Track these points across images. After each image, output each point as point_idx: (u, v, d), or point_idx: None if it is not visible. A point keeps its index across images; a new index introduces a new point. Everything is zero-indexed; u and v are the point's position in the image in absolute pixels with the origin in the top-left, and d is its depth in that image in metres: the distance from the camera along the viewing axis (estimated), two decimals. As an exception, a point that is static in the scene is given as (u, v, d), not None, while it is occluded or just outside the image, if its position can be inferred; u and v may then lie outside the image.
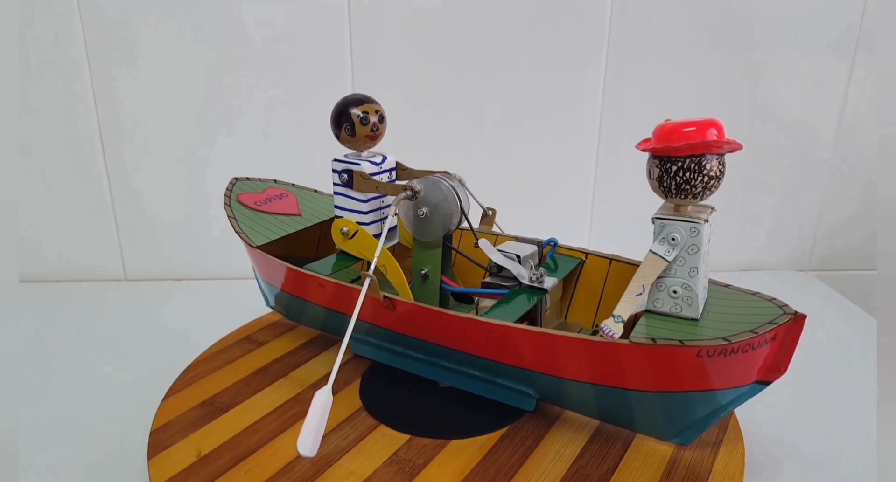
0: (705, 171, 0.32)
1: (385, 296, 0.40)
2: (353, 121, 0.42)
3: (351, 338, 0.47)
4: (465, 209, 0.41)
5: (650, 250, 0.34)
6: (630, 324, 0.34)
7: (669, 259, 0.33)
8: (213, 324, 0.54)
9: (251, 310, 0.56)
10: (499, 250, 0.43)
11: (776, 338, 0.33)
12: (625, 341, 0.33)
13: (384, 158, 0.44)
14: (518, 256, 0.42)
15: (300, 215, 0.50)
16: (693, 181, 0.32)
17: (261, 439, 0.40)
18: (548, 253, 0.46)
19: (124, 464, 0.41)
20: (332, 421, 0.41)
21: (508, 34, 0.66)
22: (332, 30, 0.64)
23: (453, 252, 0.45)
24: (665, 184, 0.32)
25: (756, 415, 0.45)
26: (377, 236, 0.45)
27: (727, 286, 0.38)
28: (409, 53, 0.65)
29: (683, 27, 0.66)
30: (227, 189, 0.51)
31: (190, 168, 0.67)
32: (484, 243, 0.42)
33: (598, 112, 0.69)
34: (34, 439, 0.43)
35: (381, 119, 0.43)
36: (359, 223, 0.44)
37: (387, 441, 0.40)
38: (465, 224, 0.45)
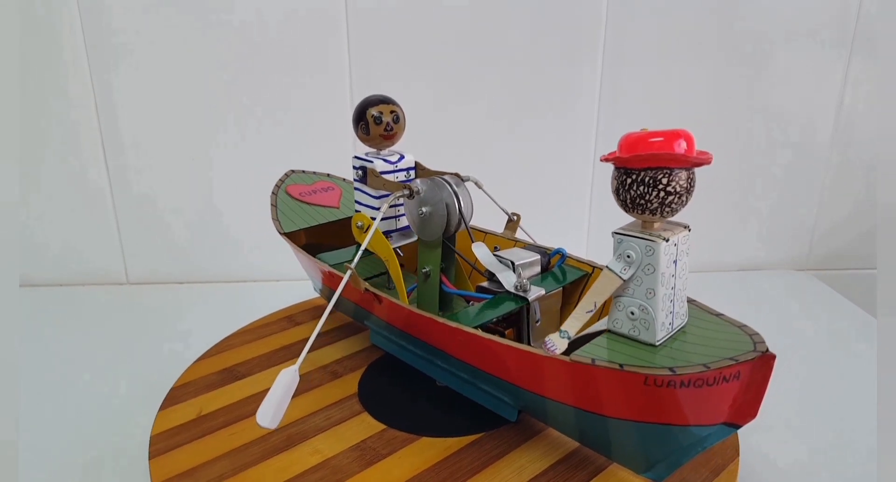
0: (661, 186, 0.29)
1: (367, 289, 0.41)
2: (368, 120, 0.44)
3: (371, 329, 0.49)
4: (465, 211, 0.42)
5: (606, 266, 0.32)
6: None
7: (625, 277, 0.31)
8: (216, 327, 0.54)
9: (254, 312, 0.57)
10: (496, 255, 0.42)
11: (740, 377, 0.30)
12: (563, 358, 0.31)
13: (401, 157, 0.46)
14: (512, 263, 0.41)
15: (338, 208, 0.54)
16: (648, 196, 0.30)
17: (255, 408, 0.43)
18: (556, 263, 0.44)
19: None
20: (323, 402, 0.44)
21: (503, 38, 0.66)
22: (330, 32, 0.65)
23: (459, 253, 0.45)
24: (621, 197, 0.31)
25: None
26: (386, 233, 0.47)
27: (719, 315, 0.35)
28: (404, 58, 0.66)
29: (679, 28, 0.67)
30: (279, 179, 0.55)
31: (191, 170, 0.69)
32: (478, 246, 0.42)
33: (594, 115, 0.69)
34: (31, 430, 0.46)
35: (396, 119, 0.44)
36: (372, 218, 0.46)
37: (363, 428, 0.41)
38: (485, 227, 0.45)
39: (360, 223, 0.46)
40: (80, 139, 0.67)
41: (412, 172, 0.47)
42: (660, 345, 0.32)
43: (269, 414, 0.36)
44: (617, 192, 0.31)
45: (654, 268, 0.30)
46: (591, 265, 0.43)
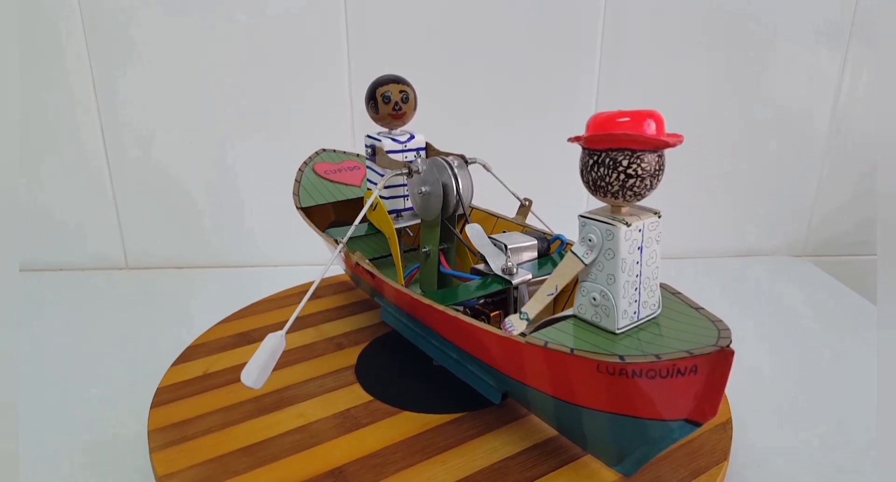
0: (621, 168, 0.28)
1: (357, 264, 0.42)
2: (378, 99, 0.45)
3: (381, 306, 0.50)
4: (464, 193, 0.42)
5: (570, 249, 0.31)
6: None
7: (586, 261, 0.30)
8: (214, 311, 0.55)
9: (251, 298, 0.57)
10: (491, 238, 0.42)
11: (697, 372, 0.28)
12: (518, 338, 0.31)
13: (411, 137, 0.46)
14: (505, 246, 0.41)
15: (359, 187, 0.55)
16: (608, 178, 0.29)
17: None
18: (556, 248, 0.43)
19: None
20: (321, 370, 0.46)
21: (501, 28, 0.67)
22: (329, 26, 0.65)
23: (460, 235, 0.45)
24: (585, 179, 0.30)
25: (749, 400, 0.46)
26: (396, 211, 0.48)
27: (698, 309, 0.33)
28: (402, 53, 0.67)
29: (678, 17, 0.67)
30: (309, 157, 0.57)
31: (190, 156, 0.69)
32: (472, 227, 0.42)
33: (592, 106, 0.69)
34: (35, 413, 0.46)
35: (406, 99, 0.45)
36: (380, 196, 0.47)
37: (350, 398, 0.42)
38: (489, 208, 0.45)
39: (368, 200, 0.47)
40: (78, 124, 0.68)
41: (423, 153, 0.47)
42: (622, 333, 0.31)
43: (253, 374, 0.37)
44: (581, 174, 0.30)
45: (614, 253, 0.29)
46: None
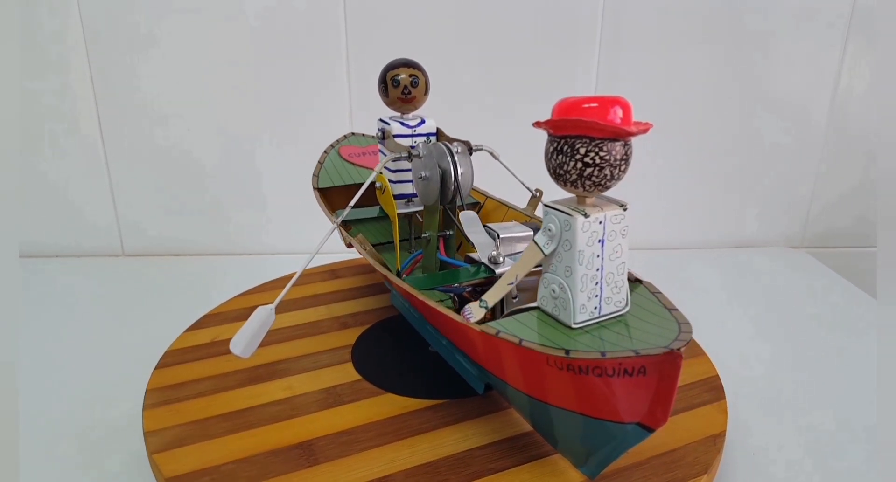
0: (578, 156, 0.27)
1: (349, 244, 0.43)
2: (388, 83, 0.45)
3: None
4: (462, 180, 0.41)
5: (533, 239, 0.30)
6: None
7: (546, 252, 0.29)
8: (211, 298, 0.55)
9: (246, 286, 0.57)
10: (486, 226, 0.42)
11: (646, 373, 0.27)
12: (474, 325, 0.31)
13: (421, 122, 0.46)
14: (497, 235, 0.40)
15: (380, 170, 0.55)
16: (566, 166, 0.27)
17: (263, 342, 0.47)
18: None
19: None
20: (319, 347, 0.47)
21: (500, 24, 0.67)
22: (327, 19, 0.65)
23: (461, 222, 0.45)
24: (547, 166, 0.29)
25: (745, 392, 0.47)
26: (406, 196, 0.48)
27: (672, 310, 0.31)
28: (401, 40, 0.66)
29: (677, 9, 0.67)
30: (336, 140, 0.58)
31: (187, 143, 0.69)
32: (465, 214, 0.41)
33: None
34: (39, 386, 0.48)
35: (415, 83, 0.45)
36: (390, 180, 0.47)
37: (340, 375, 0.43)
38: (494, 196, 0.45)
39: (378, 183, 0.48)
40: (76, 111, 0.68)
41: (433, 138, 0.47)
42: (580, 329, 0.30)
43: (241, 344, 0.39)
44: (545, 162, 0.29)
45: (570, 244, 0.28)
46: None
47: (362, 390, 0.42)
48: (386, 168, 0.48)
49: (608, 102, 0.27)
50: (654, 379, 0.27)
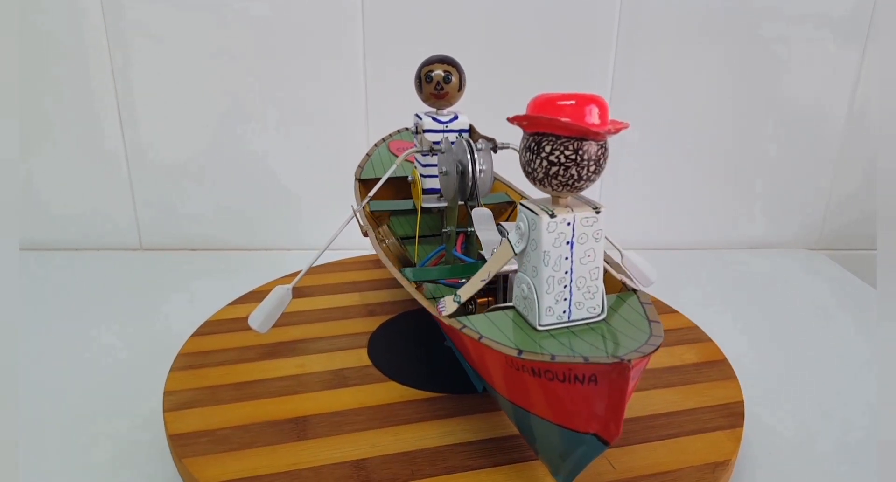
0: (544, 154, 0.26)
1: (365, 233, 0.44)
2: (422, 78, 0.46)
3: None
4: (481, 177, 0.41)
5: (506, 236, 0.30)
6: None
7: (516, 250, 0.29)
8: (229, 293, 0.55)
9: (263, 280, 0.57)
10: (500, 225, 0.41)
11: (597, 382, 0.26)
12: (444, 318, 0.31)
13: (454, 118, 0.47)
14: (506, 233, 0.40)
15: (426, 164, 0.56)
16: (533, 164, 0.27)
17: (282, 322, 0.48)
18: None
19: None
20: (341, 331, 0.48)
21: (516, 20, 0.66)
22: (345, 17, 0.65)
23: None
24: (520, 163, 0.28)
25: (759, 396, 0.46)
26: (433, 191, 0.48)
27: (653, 322, 0.30)
28: (418, 40, 0.66)
29: (694, 11, 0.67)
30: (389, 134, 0.60)
31: (205, 138, 0.69)
32: (477, 211, 0.41)
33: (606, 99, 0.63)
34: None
35: (448, 79, 0.45)
36: (422, 175, 0.48)
37: (352, 359, 0.45)
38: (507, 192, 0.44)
39: (410, 177, 0.49)
40: (95, 105, 0.68)
41: (466, 134, 0.47)
42: (547, 332, 0.29)
43: (259, 319, 0.41)
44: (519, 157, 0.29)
45: (536, 244, 0.28)
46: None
47: (368, 375, 0.43)
48: (418, 163, 0.49)
49: (584, 100, 0.26)
50: (606, 389, 0.26)
